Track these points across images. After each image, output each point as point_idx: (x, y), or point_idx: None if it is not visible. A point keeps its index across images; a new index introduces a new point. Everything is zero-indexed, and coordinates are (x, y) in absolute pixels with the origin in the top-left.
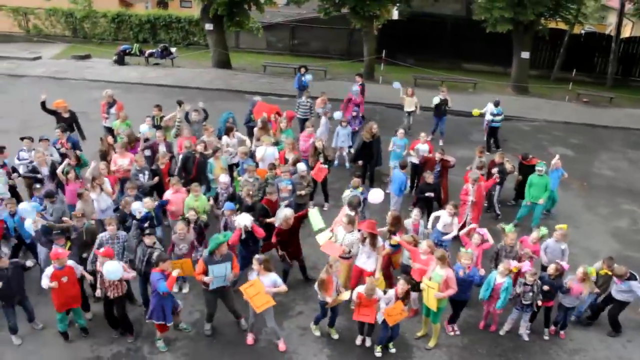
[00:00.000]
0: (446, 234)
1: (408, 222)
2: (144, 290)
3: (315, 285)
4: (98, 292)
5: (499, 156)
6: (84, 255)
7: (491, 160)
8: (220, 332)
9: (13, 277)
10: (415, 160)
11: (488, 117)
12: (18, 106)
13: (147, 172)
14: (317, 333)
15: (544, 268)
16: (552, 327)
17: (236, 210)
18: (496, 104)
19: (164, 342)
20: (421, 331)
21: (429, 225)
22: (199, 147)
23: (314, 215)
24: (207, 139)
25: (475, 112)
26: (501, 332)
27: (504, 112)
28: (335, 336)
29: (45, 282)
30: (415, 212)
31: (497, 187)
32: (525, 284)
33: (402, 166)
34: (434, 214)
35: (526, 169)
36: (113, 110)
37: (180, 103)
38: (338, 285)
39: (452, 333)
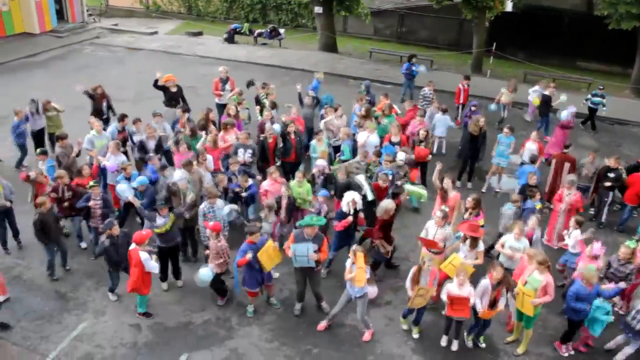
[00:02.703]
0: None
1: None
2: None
3: (407, 281)
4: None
5: (614, 160)
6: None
7: (604, 165)
8: (308, 314)
9: (122, 245)
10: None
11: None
12: (134, 77)
13: (249, 150)
14: (405, 327)
15: None
16: None
17: (330, 197)
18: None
19: (253, 309)
20: (512, 336)
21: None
22: (291, 128)
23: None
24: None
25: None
26: (605, 347)
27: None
28: (416, 335)
29: (152, 267)
30: (533, 220)
31: (610, 194)
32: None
33: (532, 161)
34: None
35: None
36: (227, 86)
37: (250, 84)
38: (427, 283)
39: (566, 353)
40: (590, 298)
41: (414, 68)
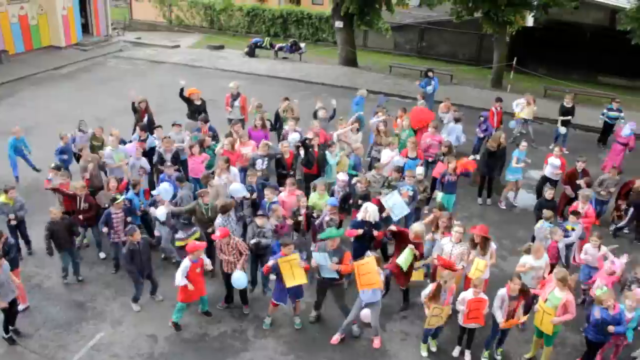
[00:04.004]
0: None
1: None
2: (254, 269)
3: (422, 298)
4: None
5: None
6: (209, 230)
7: (629, 180)
8: (326, 327)
9: (144, 252)
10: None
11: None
12: (156, 90)
13: (266, 159)
14: (424, 353)
15: None
16: None
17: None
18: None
19: (270, 321)
20: (530, 353)
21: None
22: (314, 141)
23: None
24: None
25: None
26: (632, 354)
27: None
28: (434, 349)
29: (180, 279)
30: (559, 232)
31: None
32: None
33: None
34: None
35: None
36: (237, 102)
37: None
38: (445, 301)
39: None
40: (616, 320)
41: (422, 83)
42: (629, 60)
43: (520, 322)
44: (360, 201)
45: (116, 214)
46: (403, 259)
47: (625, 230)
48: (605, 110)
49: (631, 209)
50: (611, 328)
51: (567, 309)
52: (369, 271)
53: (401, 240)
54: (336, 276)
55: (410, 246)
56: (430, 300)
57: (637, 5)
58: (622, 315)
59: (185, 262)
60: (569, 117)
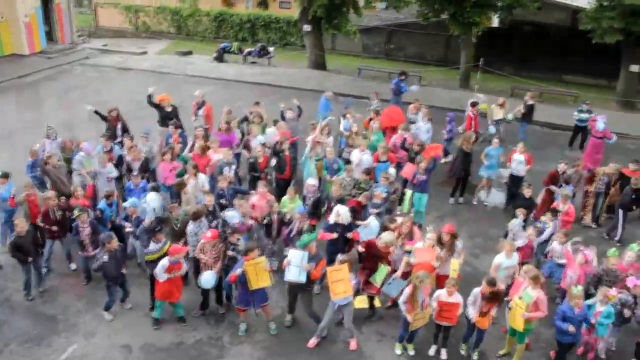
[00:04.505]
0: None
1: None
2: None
3: (400, 302)
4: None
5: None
6: (180, 242)
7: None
8: (302, 331)
9: (121, 259)
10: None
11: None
12: (124, 97)
13: (233, 166)
14: (398, 351)
15: None
16: None
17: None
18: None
19: (246, 327)
20: (504, 350)
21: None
22: (285, 145)
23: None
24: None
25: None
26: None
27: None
28: (412, 352)
29: (161, 275)
30: (531, 230)
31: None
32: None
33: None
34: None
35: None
36: (201, 112)
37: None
38: (424, 301)
39: None
40: (576, 320)
41: (402, 85)
42: (591, 58)
43: (488, 321)
44: (332, 204)
45: (82, 227)
46: (378, 277)
47: (593, 225)
48: (576, 113)
49: (620, 211)
50: (571, 328)
51: (539, 306)
52: (341, 278)
53: (371, 250)
54: (302, 281)
55: (384, 265)
56: (410, 304)
57: (596, 6)
58: (587, 312)
59: (164, 261)
60: (524, 112)
